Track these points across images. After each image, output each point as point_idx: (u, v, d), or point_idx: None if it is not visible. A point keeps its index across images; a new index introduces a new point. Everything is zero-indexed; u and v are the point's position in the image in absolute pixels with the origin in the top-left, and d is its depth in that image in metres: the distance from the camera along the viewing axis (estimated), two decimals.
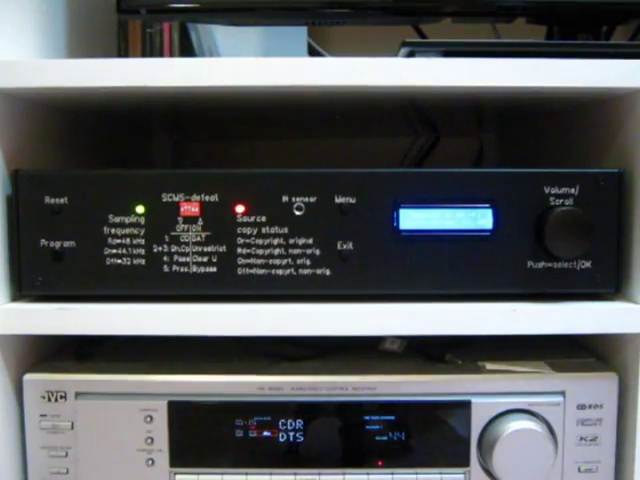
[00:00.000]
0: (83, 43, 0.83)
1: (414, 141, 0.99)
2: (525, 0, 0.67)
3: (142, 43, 0.86)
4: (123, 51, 0.86)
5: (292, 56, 1.00)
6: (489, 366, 0.65)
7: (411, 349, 0.70)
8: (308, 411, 0.64)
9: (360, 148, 1.03)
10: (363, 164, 1.04)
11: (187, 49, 0.89)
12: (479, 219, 0.62)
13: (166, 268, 0.61)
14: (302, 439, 0.64)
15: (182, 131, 1.05)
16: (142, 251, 0.61)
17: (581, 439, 0.64)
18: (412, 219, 0.62)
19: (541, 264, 0.62)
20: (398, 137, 1.01)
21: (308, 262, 0.62)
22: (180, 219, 0.61)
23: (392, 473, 0.63)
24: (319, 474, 0.63)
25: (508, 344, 0.68)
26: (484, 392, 0.63)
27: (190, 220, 0.61)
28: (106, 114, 0.81)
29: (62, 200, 0.61)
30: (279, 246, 0.62)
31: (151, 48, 0.86)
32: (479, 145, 1.02)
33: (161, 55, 0.86)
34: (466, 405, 0.63)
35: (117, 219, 0.61)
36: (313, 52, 1.01)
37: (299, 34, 0.99)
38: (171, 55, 0.87)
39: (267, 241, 0.62)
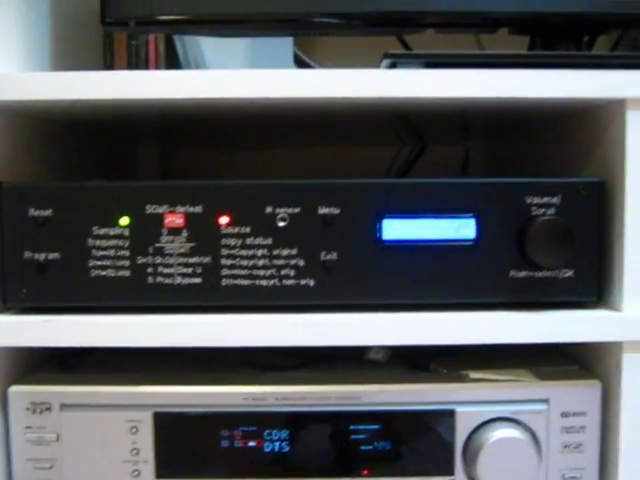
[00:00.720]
0: (69, 55, 0.83)
1: (400, 150, 1.00)
2: (507, 11, 0.67)
3: (128, 55, 0.86)
4: (109, 62, 0.87)
5: (278, 66, 1.01)
6: (473, 375, 0.66)
7: (396, 358, 0.70)
8: (293, 421, 0.64)
9: (346, 156, 1.04)
10: (349, 173, 1.05)
11: (173, 60, 0.89)
12: (462, 229, 0.62)
13: (150, 280, 0.62)
14: (288, 449, 0.64)
15: (169, 140, 1.05)
16: (127, 263, 0.61)
17: (565, 447, 0.64)
18: (395, 229, 0.62)
19: (523, 273, 0.63)
20: (384, 145, 1.02)
21: (292, 273, 0.62)
22: (164, 230, 0.62)
23: None
24: None
25: (493, 352, 0.68)
26: (468, 401, 0.64)
27: (174, 232, 0.62)
28: (92, 125, 0.81)
29: (46, 212, 0.61)
30: (263, 257, 0.62)
31: (137, 60, 0.86)
32: (465, 153, 1.02)
33: (147, 66, 0.87)
34: (450, 414, 0.63)
35: (101, 231, 0.61)
36: (299, 62, 1.02)
37: (285, 44, 1.00)
38: (157, 66, 0.88)
39: (251, 252, 0.62)
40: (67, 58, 0.82)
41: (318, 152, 1.05)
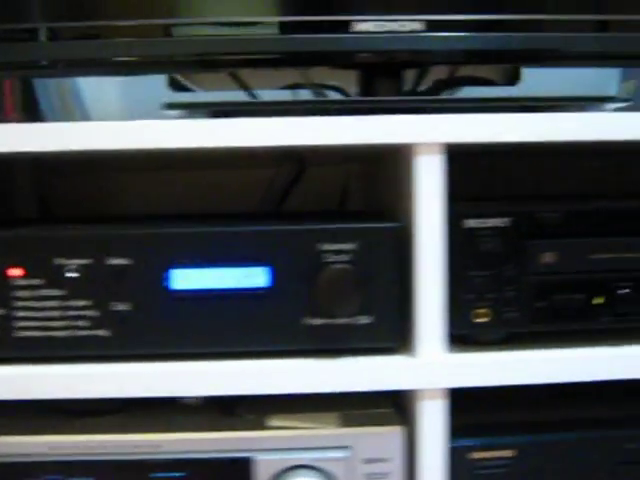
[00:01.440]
0: None
1: (277, 172, 0.98)
2: (317, 51, 0.66)
3: None
4: None
5: (153, 90, 0.99)
6: (274, 422, 0.65)
7: (211, 402, 0.69)
8: (98, 469, 0.64)
9: (226, 180, 1.02)
10: (228, 197, 1.03)
11: (31, 98, 0.89)
12: (255, 277, 0.62)
13: None
14: None
15: (45, 169, 1.04)
16: None
17: None
18: (186, 279, 0.62)
19: (319, 321, 0.62)
20: (264, 168, 1.00)
21: (86, 324, 0.62)
22: None
23: None
24: None
25: (308, 395, 0.67)
26: (267, 448, 0.63)
27: None
28: None
29: None
30: (57, 308, 0.62)
31: None
32: (345, 177, 1.01)
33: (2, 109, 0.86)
34: (247, 462, 0.63)
35: None
36: (175, 84, 1.01)
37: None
38: (14, 105, 0.87)
39: (44, 304, 0.62)
40: None
41: (201, 175, 1.03)
